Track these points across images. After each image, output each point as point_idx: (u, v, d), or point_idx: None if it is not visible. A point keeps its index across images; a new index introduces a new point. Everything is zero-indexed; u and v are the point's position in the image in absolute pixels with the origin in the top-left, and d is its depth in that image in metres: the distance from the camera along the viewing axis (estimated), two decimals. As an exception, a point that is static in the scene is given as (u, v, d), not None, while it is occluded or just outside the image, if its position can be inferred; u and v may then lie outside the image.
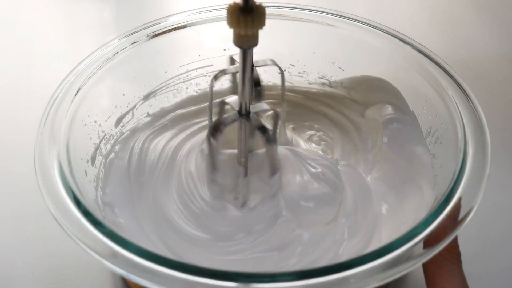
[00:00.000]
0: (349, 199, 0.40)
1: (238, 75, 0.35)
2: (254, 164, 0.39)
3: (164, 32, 0.44)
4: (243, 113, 0.36)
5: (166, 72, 0.46)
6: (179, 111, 0.47)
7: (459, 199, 0.33)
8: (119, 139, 0.43)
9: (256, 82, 0.39)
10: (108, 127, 0.43)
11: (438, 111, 0.40)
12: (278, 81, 0.48)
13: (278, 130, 0.39)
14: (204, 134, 0.44)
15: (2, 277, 0.43)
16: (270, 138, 0.37)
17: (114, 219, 0.39)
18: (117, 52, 0.42)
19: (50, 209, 0.32)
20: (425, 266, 0.35)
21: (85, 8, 0.70)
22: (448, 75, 0.40)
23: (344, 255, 0.38)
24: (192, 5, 0.47)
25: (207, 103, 0.48)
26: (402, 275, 0.30)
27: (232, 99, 0.37)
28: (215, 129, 0.37)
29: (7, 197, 0.48)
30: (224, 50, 0.45)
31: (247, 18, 0.31)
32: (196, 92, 0.48)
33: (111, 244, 0.30)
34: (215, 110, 0.38)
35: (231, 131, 0.39)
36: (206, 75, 0.47)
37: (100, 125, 0.42)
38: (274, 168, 0.39)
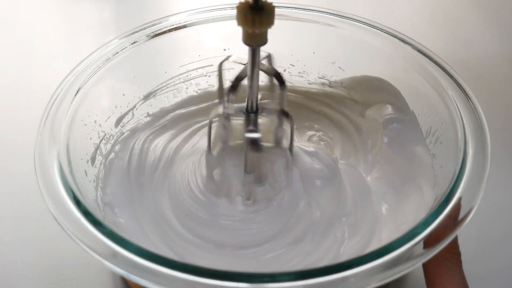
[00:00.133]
0: (348, 198, 0.40)
1: (247, 72, 0.35)
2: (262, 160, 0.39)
3: (164, 32, 0.44)
4: (251, 111, 0.36)
5: (166, 72, 0.46)
6: (179, 111, 0.47)
7: (459, 199, 0.33)
8: (119, 139, 0.43)
9: (276, 74, 0.39)
10: (108, 127, 0.43)
11: (438, 111, 0.40)
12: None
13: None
14: (203, 136, 0.44)
15: (2, 277, 0.43)
16: (287, 115, 0.37)
17: (114, 219, 0.39)
18: (117, 52, 0.42)
19: (50, 209, 0.32)
20: (425, 266, 0.35)
21: (85, 8, 0.71)
22: (448, 75, 0.40)
23: (345, 255, 0.38)
24: (192, 5, 0.47)
25: (207, 103, 0.48)
26: (402, 275, 0.30)
27: (231, 107, 0.37)
28: (233, 86, 0.36)
29: (7, 197, 0.48)
30: (224, 50, 0.45)
31: (256, 17, 0.31)
32: (196, 92, 0.48)
33: (111, 244, 0.30)
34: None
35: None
36: (206, 75, 0.47)
37: (100, 125, 0.42)
38: (289, 159, 0.39)
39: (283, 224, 0.39)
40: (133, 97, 0.45)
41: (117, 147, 0.43)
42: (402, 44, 0.43)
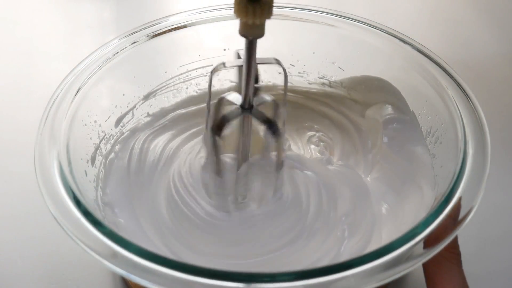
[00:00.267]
0: (347, 198, 0.40)
1: (242, 68, 0.34)
2: (255, 164, 0.39)
3: (164, 32, 0.44)
4: (246, 107, 0.36)
5: (166, 72, 0.46)
6: (179, 111, 0.47)
7: (459, 199, 0.33)
8: (119, 139, 0.43)
9: (255, 80, 0.39)
10: (108, 127, 0.43)
11: (438, 111, 0.40)
12: (278, 82, 0.48)
13: (283, 120, 0.38)
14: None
15: (2, 277, 0.43)
16: (277, 130, 0.36)
17: (114, 219, 0.39)
18: (117, 52, 0.42)
19: (50, 209, 0.32)
20: (425, 266, 0.35)
21: (85, 8, 0.71)
22: (448, 75, 0.40)
23: (345, 255, 0.38)
24: (192, 5, 0.47)
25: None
26: (402, 275, 0.30)
27: (233, 96, 0.36)
28: (218, 127, 0.36)
29: (7, 197, 0.48)
30: (224, 50, 0.45)
31: (255, 7, 0.30)
32: (196, 92, 0.48)
33: (111, 244, 0.30)
34: (213, 109, 0.38)
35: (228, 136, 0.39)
36: (206, 75, 0.47)
37: (100, 125, 0.42)
38: (280, 162, 0.38)
39: (283, 224, 0.39)
40: (133, 97, 0.45)
41: (117, 147, 0.43)
42: (402, 44, 0.43)
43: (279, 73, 0.41)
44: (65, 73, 0.40)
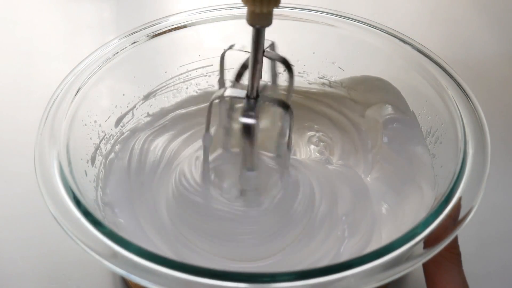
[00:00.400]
0: (346, 198, 0.41)
1: (249, 57, 0.34)
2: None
3: (164, 32, 0.44)
4: (252, 97, 0.36)
5: (166, 72, 0.46)
6: (179, 111, 0.47)
7: (459, 199, 0.33)
8: (119, 139, 0.43)
9: (283, 60, 0.38)
10: (108, 127, 0.43)
11: (438, 111, 0.40)
12: (278, 82, 0.48)
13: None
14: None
15: (2, 277, 0.43)
16: (288, 106, 0.37)
17: (114, 219, 0.39)
18: (117, 52, 0.42)
19: (50, 209, 0.32)
20: (425, 266, 0.35)
21: (85, 8, 0.71)
22: (448, 75, 0.40)
23: (345, 255, 0.38)
24: (192, 5, 0.47)
25: (207, 103, 0.48)
26: (402, 275, 0.30)
27: (231, 91, 0.36)
28: (237, 76, 0.36)
29: (7, 197, 0.48)
30: (224, 50, 0.45)
31: None
32: (196, 92, 0.48)
33: (111, 244, 0.30)
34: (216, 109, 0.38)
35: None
36: (206, 75, 0.47)
37: (100, 125, 0.42)
38: (289, 144, 0.39)
39: (282, 224, 0.39)
40: (133, 97, 0.45)
41: (117, 147, 0.43)
42: (402, 44, 0.43)
43: (279, 73, 0.41)
44: (65, 73, 0.40)
